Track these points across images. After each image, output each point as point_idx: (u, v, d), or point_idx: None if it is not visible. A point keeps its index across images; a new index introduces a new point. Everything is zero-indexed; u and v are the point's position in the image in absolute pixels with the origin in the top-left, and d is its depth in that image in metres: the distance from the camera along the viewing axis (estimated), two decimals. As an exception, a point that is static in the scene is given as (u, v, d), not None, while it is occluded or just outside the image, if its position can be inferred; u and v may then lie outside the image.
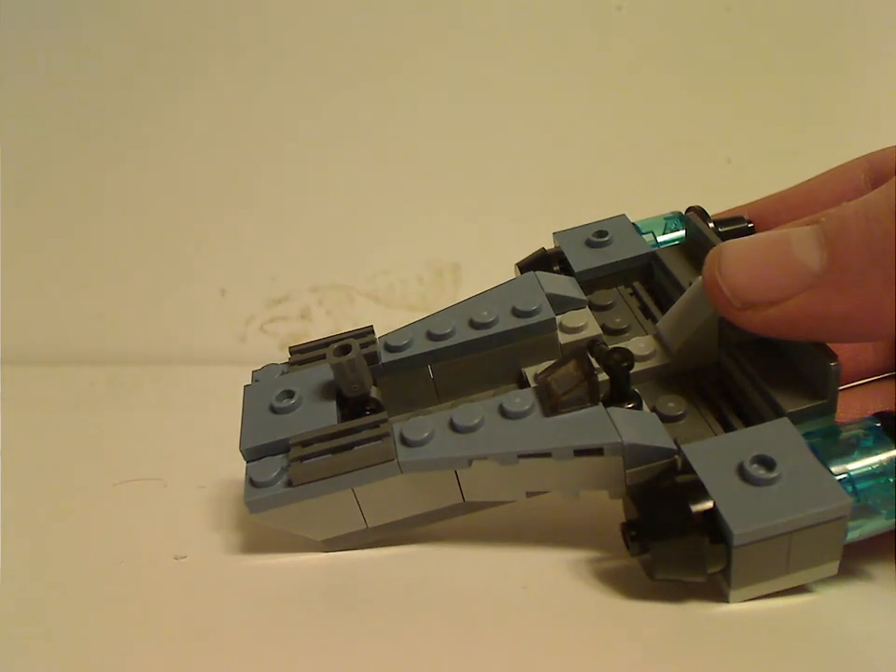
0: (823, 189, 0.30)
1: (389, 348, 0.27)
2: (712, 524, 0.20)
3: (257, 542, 0.25)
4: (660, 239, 0.31)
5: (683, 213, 0.31)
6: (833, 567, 0.21)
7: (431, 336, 0.27)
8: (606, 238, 0.30)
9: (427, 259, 0.58)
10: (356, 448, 0.23)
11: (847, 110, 0.58)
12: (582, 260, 0.30)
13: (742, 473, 0.20)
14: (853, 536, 0.22)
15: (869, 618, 0.21)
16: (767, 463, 0.21)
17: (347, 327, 0.58)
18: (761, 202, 0.32)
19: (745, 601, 0.22)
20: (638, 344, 0.26)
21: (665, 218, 0.31)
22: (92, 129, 0.55)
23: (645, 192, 0.59)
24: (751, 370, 0.24)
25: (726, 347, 0.25)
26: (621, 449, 0.22)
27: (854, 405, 0.28)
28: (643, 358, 0.26)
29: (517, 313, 0.27)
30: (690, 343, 0.25)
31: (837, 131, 0.58)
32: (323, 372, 0.27)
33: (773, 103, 0.58)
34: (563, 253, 0.30)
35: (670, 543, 0.21)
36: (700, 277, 0.24)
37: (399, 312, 0.58)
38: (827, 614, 0.21)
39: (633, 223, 0.31)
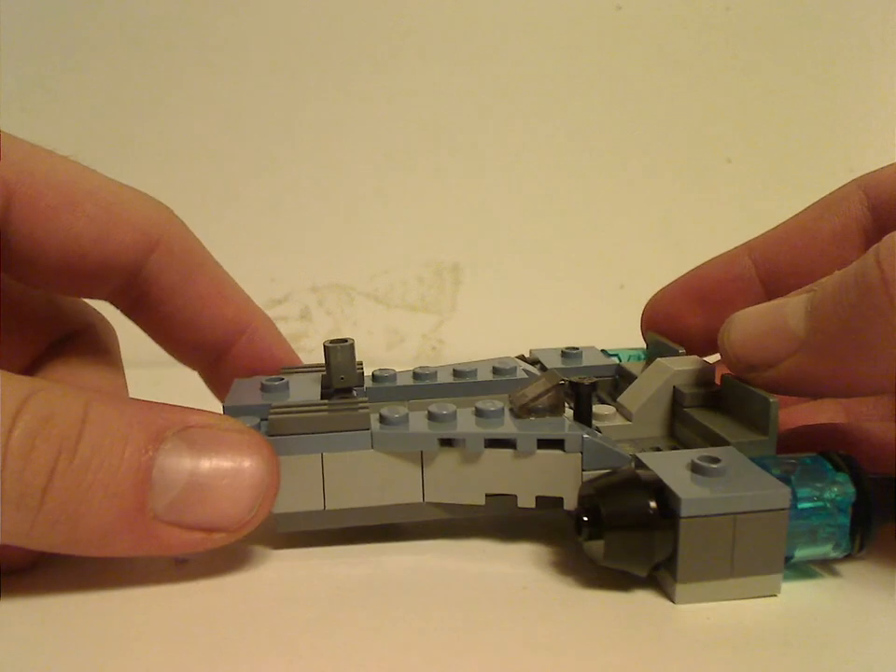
0: (823, 228, 0.30)
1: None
2: (664, 508, 0.21)
3: (257, 542, 0.25)
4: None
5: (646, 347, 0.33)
6: (775, 581, 0.22)
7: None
8: (577, 352, 0.32)
9: (426, 258, 0.58)
10: (335, 412, 0.24)
11: (847, 110, 0.58)
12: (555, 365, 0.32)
13: (692, 467, 0.23)
14: (799, 555, 0.22)
15: (867, 618, 0.22)
16: (715, 461, 0.22)
17: (347, 327, 0.58)
18: (761, 241, 0.32)
19: (691, 603, 0.22)
20: (601, 410, 0.28)
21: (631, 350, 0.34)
22: (91, 127, 0.55)
23: (645, 192, 0.59)
24: (700, 421, 0.26)
25: (679, 415, 0.27)
26: (580, 443, 0.24)
27: (799, 420, 0.30)
28: (604, 418, 0.28)
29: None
30: (645, 407, 0.27)
31: (837, 131, 0.58)
32: (312, 377, 0.28)
33: (773, 103, 0.58)
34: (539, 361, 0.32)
35: (621, 530, 0.21)
36: (657, 360, 0.28)
37: (399, 312, 0.58)
38: (823, 614, 0.22)
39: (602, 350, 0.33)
